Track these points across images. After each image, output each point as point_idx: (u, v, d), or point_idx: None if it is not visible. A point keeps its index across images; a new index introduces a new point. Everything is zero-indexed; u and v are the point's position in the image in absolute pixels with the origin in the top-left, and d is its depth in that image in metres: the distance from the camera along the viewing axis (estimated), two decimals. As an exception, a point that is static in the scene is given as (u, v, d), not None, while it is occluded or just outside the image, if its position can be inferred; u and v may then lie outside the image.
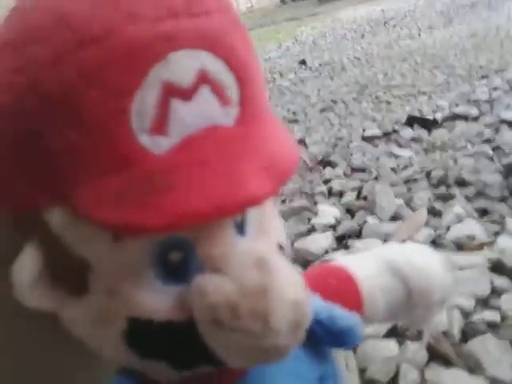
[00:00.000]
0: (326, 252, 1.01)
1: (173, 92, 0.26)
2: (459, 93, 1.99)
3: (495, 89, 1.86)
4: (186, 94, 0.27)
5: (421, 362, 0.70)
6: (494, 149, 1.34)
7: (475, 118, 1.62)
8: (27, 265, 0.29)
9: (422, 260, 0.44)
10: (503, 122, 1.50)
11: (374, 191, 1.16)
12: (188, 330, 0.28)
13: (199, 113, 0.27)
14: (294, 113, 2.36)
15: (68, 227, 0.28)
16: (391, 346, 0.72)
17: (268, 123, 0.31)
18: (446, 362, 0.70)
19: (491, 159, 1.29)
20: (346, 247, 1.02)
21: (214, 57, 0.28)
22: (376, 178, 1.30)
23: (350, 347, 0.36)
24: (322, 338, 0.35)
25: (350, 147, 1.61)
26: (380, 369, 0.70)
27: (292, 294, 0.27)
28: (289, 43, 4.80)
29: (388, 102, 2.28)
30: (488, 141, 1.41)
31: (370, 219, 1.08)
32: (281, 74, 3.37)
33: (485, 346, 0.70)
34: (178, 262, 0.29)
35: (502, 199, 1.10)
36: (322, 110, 2.36)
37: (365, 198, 1.19)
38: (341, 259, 0.45)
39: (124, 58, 0.25)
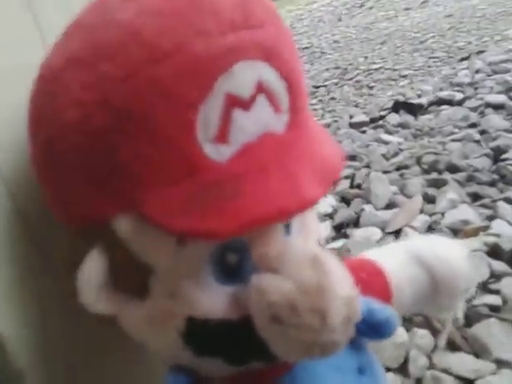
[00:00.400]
0: (326, 242, 1.03)
1: (235, 103, 0.28)
2: (442, 76, 2.02)
3: (477, 72, 1.89)
4: (246, 104, 0.28)
5: (428, 347, 0.73)
6: (480, 133, 1.37)
7: (460, 102, 1.65)
8: (93, 271, 0.30)
9: (445, 251, 0.45)
10: (488, 105, 1.53)
11: (369, 179, 1.18)
12: (244, 328, 0.30)
13: (256, 121, 0.29)
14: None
15: (135, 234, 0.29)
16: (400, 332, 0.75)
17: (313, 128, 0.33)
18: (453, 346, 0.73)
19: (479, 143, 1.32)
20: (346, 236, 1.04)
21: (269, 67, 0.29)
22: (368, 166, 1.32)
23: (387, 338, 0.38)
24: (362, 331, 0.37)
25: (338, 134, 1.63)
26: (390, 355, 0.72)
27: (345, 291, 0.29)
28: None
29: (370, 87, 2.30)
30: (474, 125, 1.44)
31: (367, 207, 1.10)
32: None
33: (489, 330, 0.73)
34: (234, 263, 0.30)
35: (493, 183, 1.13)
36: (305, 96, 2.37)
37: (359, 186, 1.22)
38: (368, 252, 0.47)
39: (192, 71, 0.26)
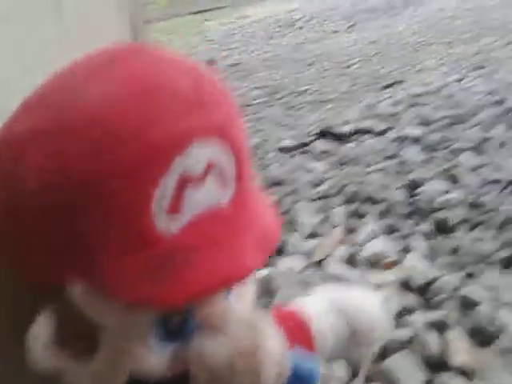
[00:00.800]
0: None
1: (188, 180, 0.30)
2: (366, 104, 2.11)
3: (398, 103, 2.00)
4: (197, 181, 0.31)
5: (344, 379, 0.78)
6: (398, 164, 1.45)
7: (381, 133, 1.74)
8: (42, 331, 0.32)
9: (366, 304, 0.50)
10: (406, 137, 1.62)
11: (295, 207, 1.22)
12: (183, 381, 0.33)
13: (205, 196, 0.32)
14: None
15: (88, 299, 0.31)
16: (319, 365, 0.79)
17: (254, 195, 0.36)
18: (368, 378, 0.78)
19: (397, 175, 1.40)
20: (272, 265, 1.07)
21: (221, 144, 0.32)
22: (293, 192, 1.37)
23: None
24: (289, 381, 0.40)
25: (266, 158, 1.67)
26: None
27: (277, 350, 0.33)
28: (196, 40, 4.80)
29: (297, 108, 2.37)
30: (393, 156, 1.52)
31: (292, 236, 1.14)
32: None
33: (400, 363, 0.78)
34: (177, 323, 0.33)
35: (408, 216, 1.20)
36: (234, 115, 2.39)
37: (284, 214, 1.26)
38: (296, 301, 0.51)
39: (151, 154, 0.29)
